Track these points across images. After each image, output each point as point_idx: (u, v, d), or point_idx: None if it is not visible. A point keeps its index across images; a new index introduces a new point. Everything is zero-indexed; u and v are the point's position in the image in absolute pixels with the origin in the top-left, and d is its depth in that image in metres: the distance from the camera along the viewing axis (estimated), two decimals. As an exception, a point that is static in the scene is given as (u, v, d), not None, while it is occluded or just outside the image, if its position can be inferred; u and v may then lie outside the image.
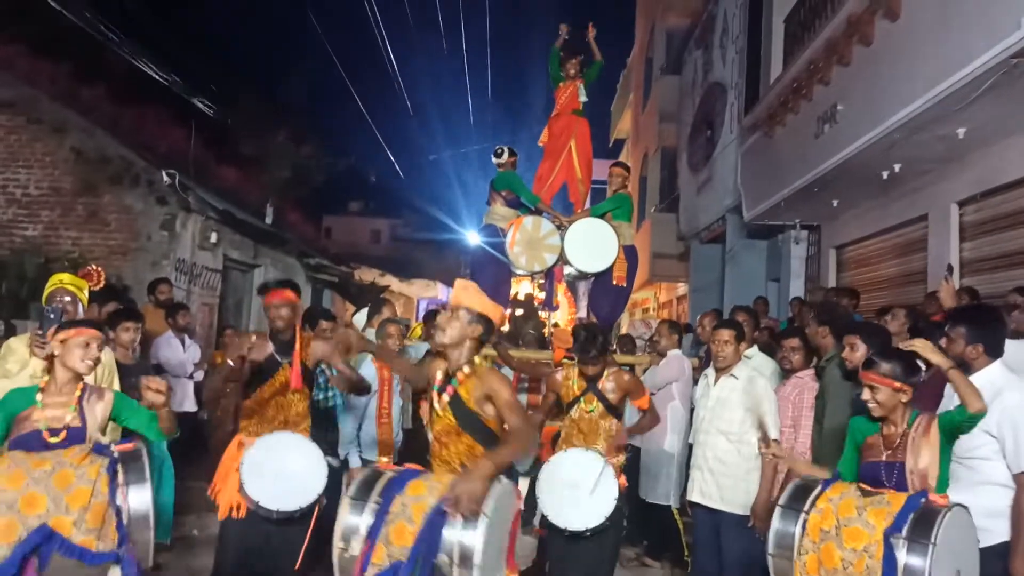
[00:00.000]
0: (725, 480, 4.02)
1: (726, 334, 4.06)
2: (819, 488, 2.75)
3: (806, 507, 2.68)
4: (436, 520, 2.49)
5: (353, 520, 2.63)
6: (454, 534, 2.47)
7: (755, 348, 4.86)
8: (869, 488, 2.72)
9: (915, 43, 5.48)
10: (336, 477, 4.23)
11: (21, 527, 2.53)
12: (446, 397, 2.84)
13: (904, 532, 2.45)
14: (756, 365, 4.43)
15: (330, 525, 2.86)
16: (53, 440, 2.84)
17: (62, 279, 3.88)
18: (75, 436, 2.89)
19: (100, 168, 9.05)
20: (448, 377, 2.88)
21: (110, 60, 12.02)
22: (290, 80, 18.03)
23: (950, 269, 4.53)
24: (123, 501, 2.63)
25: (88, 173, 9.02)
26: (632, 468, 4.32)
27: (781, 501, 2.75)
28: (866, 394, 2.86)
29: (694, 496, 4.16)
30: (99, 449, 2.75)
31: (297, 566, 3.49)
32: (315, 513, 3.51)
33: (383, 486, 2.66)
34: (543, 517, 3.82)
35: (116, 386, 3.88)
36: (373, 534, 2.55)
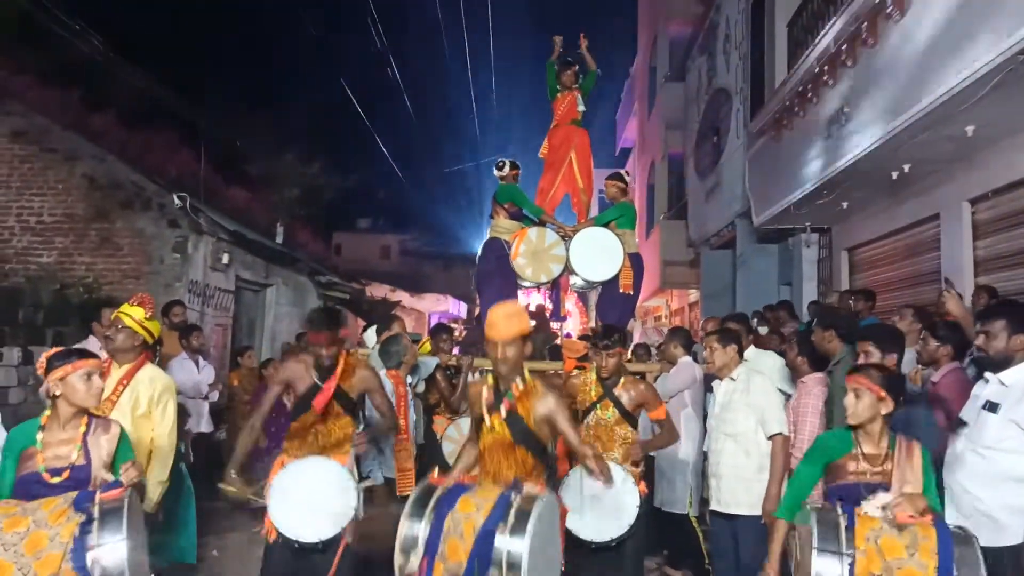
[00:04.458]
0: (737, 483, 4.01)
1: (710, 339, 4.23)
2: (844, 522, 2.60)
3: (845, 547, 2.53)
4: (487, 537, 2.60)
5: (411, 535, 2.71)
6: (503, 545, 2.57)
7: (752, 349, 4.91)
8: (893, 519, 2.58)
9: (921, 42, 5.46)
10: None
11: None
12: (503, 412, 2.95)
13: (956, 571, 2.40)
14: (753, 365, 4.43)
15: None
16: (55, 480, 2.70)
17: (122, 310, 3.83)
18: (79, 475, 2.75)
19: (112, 194, 9.17)
20: (501, 393, 2.99)
21: (119, 87, 12.19)
22: (297, 100, 18.19)
23: (948, 282, 4.48)
24: (93, 565, 2.47)
25: (100, 199, 9.14)
26: (647, 477, 4.29)
27: (814, 543, 2.57)
28: (849, 399, 2.84)
29: (712, 504, 4.15)
30: (79, 504, 2.57)
31: None
32: (341, 546, 3.41)
33: (435, 502, 2.77)
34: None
35: (172, 407, 3.85)
36: (431, 551, 2.67)
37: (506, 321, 2.99)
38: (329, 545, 3.38)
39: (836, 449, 2.88)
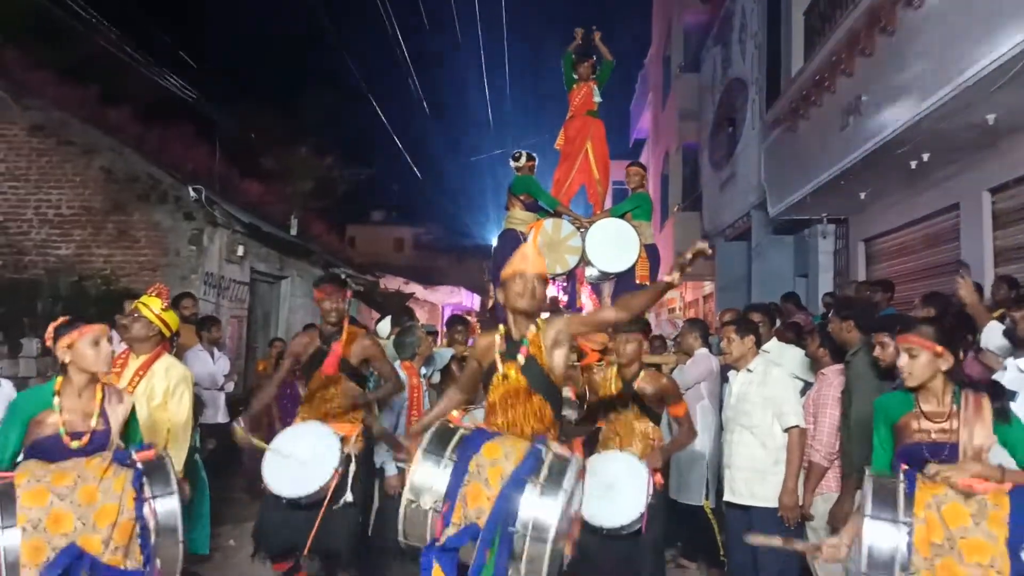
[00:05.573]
0: (753, 475, 3.97)
1: (727, 329, 4.15)
2: (902, 487, 2.43)
3: (902, 515, 2.36)
4: (515, 490, 2.45)
5: (426, 474, 2.55)
6: (531, 507, 2.42)
7: (773, 340, 4.84)
8: (960, 485, 2.41)
9: (940, 30, 5.39)
10: (371, 484, 4.27)
11: (48, 548, 2.41)
12: (521, 360, 2.82)
13: None
14: (773, 357, 4.38)
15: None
16: (75, 444, 2.71)
17: (141, 300, 3.89)
18: (99, 440, 2.77)
19: (129, 186, 9.25)
20: (516, 342, 2.86)
21: (136, 81, 12.28)
22: (311, 93, 18.25)
23: (965, 266, 4.37)
24: (150, 515, 2.55)
25: (117, 192, 9.23)
26: (663, 468, 4.25)
27: (867, 510, 2.39)
28: (902, 360, 2.64)
29: (726, 495, 4.12)
30: (121, 459, 2.63)
31: (306, 551, 3.67)
32: (324, 503, 3.61)
33: (457, 443, 2.61)
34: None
35: (188, 397, 3.86)
36: (452, 493, 2.51)
37: (537, 256, 2.92)
38: (315, 502, 3.60)
39: (896, 409, 2.71)
